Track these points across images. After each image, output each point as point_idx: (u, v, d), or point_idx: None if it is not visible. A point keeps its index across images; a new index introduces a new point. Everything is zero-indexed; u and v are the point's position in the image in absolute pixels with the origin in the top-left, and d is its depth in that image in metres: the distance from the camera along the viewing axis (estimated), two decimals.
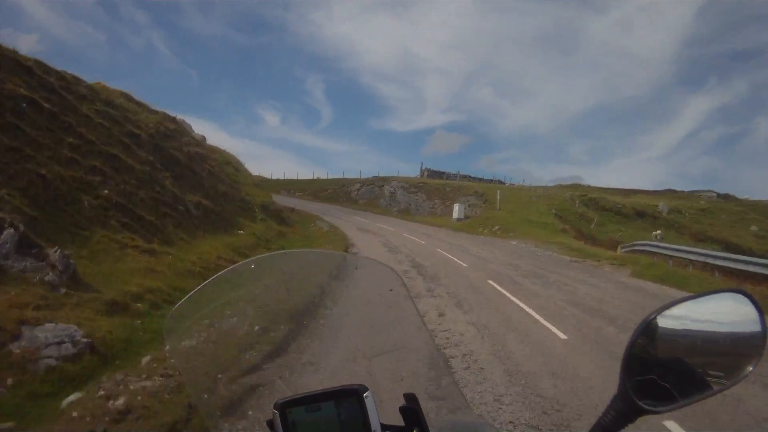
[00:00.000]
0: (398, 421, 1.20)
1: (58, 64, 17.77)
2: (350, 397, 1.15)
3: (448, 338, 7.78)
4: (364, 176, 59.95)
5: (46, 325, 6.30)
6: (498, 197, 39.84)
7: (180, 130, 21.17)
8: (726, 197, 74.33)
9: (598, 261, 20.05)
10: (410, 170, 60.63)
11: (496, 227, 33.47)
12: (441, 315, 9.26)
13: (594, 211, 51.16)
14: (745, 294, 1.06)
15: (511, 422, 4.95)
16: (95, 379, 5.71)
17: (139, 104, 19.78)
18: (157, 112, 20.75)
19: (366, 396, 1.15)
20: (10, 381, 5.28)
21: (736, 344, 1.04)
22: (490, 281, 13.02)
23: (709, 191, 78.84)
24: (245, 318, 1.59)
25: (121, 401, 4.94)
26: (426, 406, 1.23)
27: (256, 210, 21.68)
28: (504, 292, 11.63)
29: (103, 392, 5.19)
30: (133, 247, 12.26)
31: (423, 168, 62.71)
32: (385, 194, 51.99)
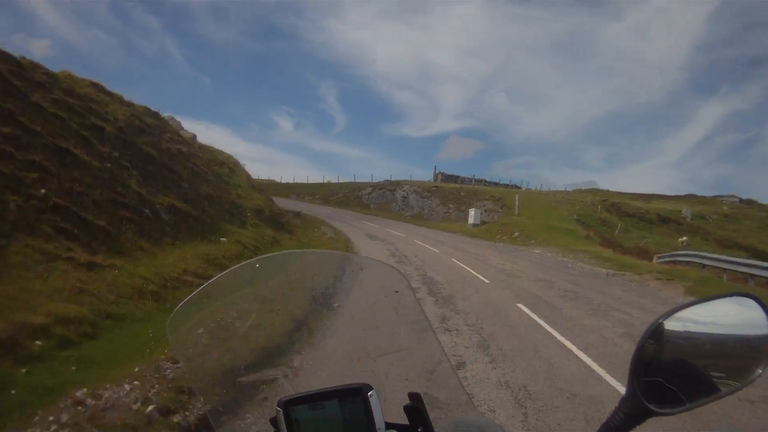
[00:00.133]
0: (403, 420, 1.18)
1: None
2: (354, 396, 1.13)
3: None
4: (375, 180, 57.06)
5: None
6: (517, 202, 36.71)
7: (161, 126, 18.49)
8: (749, 203, 71.15)
9: (639, 274, 16.94)
10: (424, 176, 57.73)
11: (516, 234, 30.39)
12: (459, 366, 6.30)
13: (616, 216, 48.05)
14: (754, 298, 1.03)
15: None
16: None
17: (110, 95, 17.09)
18: (133, 105, 18.07)
19: (370, 395, 1.12)
20: None
21: (744, 348, 1.02)
22: (521, 305, 10.03)
23: (731, 196, 75.66)
24: (249, 317, 1.47)
25: None
26: (430, 405, 1.21)
27: (248, 214, 18.89)
28: (542, 324, 8.61)
29: None
30: (68, 260, 9.48)
31: (437, 172, 59.64)
32: (398, 198, 49.07)
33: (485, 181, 58.75)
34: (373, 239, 23.87)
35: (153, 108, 19.81)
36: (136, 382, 5.55)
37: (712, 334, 1.02)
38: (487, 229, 33.64)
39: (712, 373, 0.99)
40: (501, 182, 61.79)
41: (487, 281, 13.02)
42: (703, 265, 18.68)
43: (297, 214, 34.60)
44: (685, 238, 46.32)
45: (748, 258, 20.16)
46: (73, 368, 6.08)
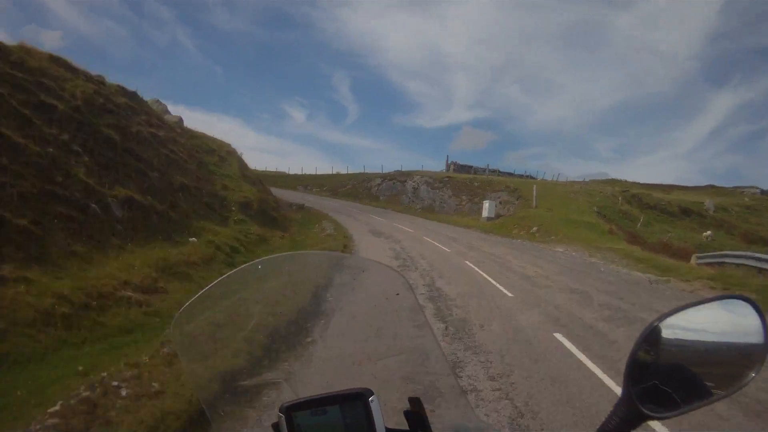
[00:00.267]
0: (403, 425, 1.17)
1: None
2: (355, 401, 1.12)
3: None
4: (386, 171, 54.17)
5: None
6: (534, 193, 33.74)
7: (135, 107, 15.90)
8: None
9: (687, 281, 14.08)
10: (436, 168, 54.58)
11: (535, 228, 27.51)
12: None
13: (637, 208, 44.92)
14: (747, 300, 1.03)
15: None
16: None
17: (74, 71, 14.55)
18: (103, 84, 15.52)
19: (371, 400, 1.12)
20: None
21: (738, 351, 1.02)
22: (560, 336, 7.28)
23: (752, 187, 71.90)
24: (251, 320, 1.48)
25: None
26: (430, 409, 1.20)
27: (233, 208, 16.29)
28: (599, 373, 5.88)
29: None
30: None
31: (449, 162, 56.60)
32: (408, 190, 46.24)
33: (499, 171, 55.49)
34: (377, 236, 21.17)
35: (130, 87, 17.26)
36: None
37: (706, 337, 1.01)
38: (503, 223, 30.79)
39: (706, 377, 0.98)
40: (515, 173, 58.52)
41: (509, 294, 10.27)
42: (760, 269, 15.76)
43: (300, 207, 32.07)
44: (709, 232, 43.33)
45: None
46: None
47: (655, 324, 0.98)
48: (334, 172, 60.96)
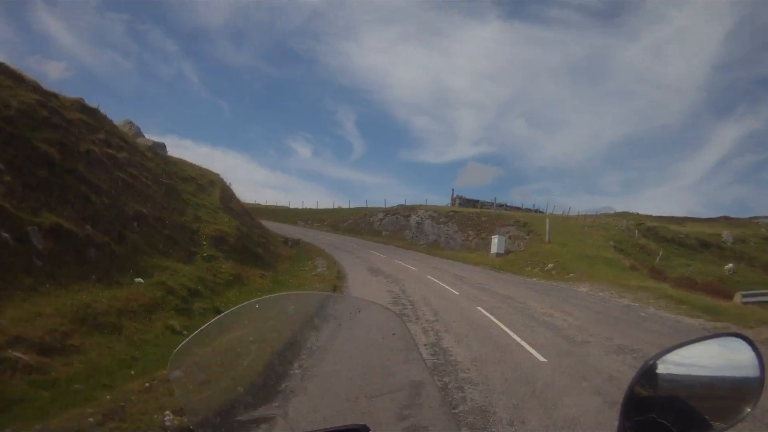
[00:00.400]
0: None
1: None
2: None
3: None
4: (389, 205, 51.59)
5: None
6: (548, 227, 30.98)
7: (93, 125, 13.53)
8: None
9: (750, 327, 11.27)
10: (441, 203, 51.85)
11: (550, 265, 24.70)
12: None
13: (654, 241, 42.13)
14: (744, 338, 1.03)
15: None
16: None
17: (19, 79, 12.27)
18: (56, 96, 13.21)
19: None
20: None
21: (734, 385, 1.02)
22: None
23: (766, 217, 68.96)
24: (247, 357, 1.49)
25: None
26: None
27: (204, 243, 13.70)
28: None
29: None
30: None
31: (454, 196, 54.02)
32: (412, 225, 43.59)
33: (506, 205, 52.79)
34: (375, 275, 18.42)
35: (91, 103, 14.97)
36: None
37: (702, 375, 1.01)
38: (514, 260, 27.98)
39: (703, 411, 0.97)
40: (523, 206, 55.75)
41: (542, 359, 7.46)
42: None
43: (296, 243, 29.48)
44: (731, 265, 40.76)
45: None
46: None
47: (651, 362, 0.98)
48: (336, 207, 58.47)
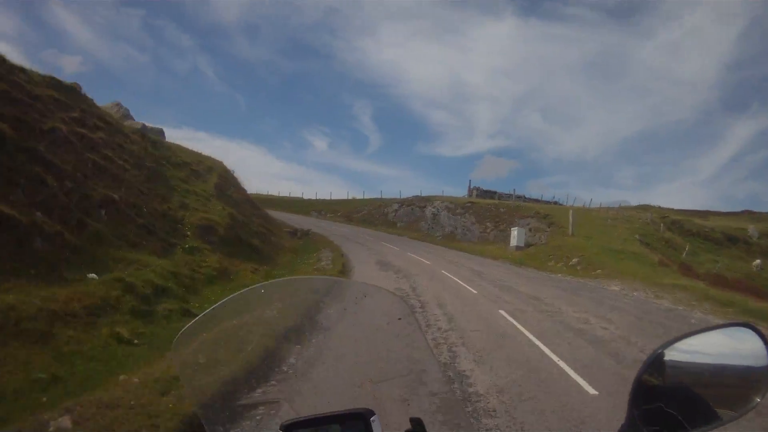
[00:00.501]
0: None
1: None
2: (356, 421, 1.09)
3: None
4: (404, 196, 49.55)
5: None
6: (571, 219, 28.80)
7: (66, 103, 11.89)
8: None
9: None
10: (457, 195, 49.52)
11: (575, 260, 22.60)
12: None
13: (679, 235, 39.69)
14: (753, 328, 1.01)
15: None
16: None
17: None
18: (23, 71, 11.56)
19: (372, 420, 1.09)
20: None
21: (743, 375, 0.99)
22: None
23: None
24: (251, 341, 1.43)
25: None
26: (432, 430, 1.16)
27: (188, 233, 11.97)
28: None
29: None
30: None
31: (471, 187, 51.81)
32: (427, 216, 41.60)
33: (524, 197, 50.35)
34: (384, 269, 16.55)
35: (68, 81, 13.31)
36: None
37: (711, 364, 0.99)
38: (536, 253, 25.89)
39: (711, 400, 0.95)
40: (542, 198, 53.23)
41: (591, 390, 5.53)
42: None
43: (305, 234, 27.80)
44: (758, 261, 38.48)
45: None
46: None
47: (659, 351, 0.96)
48: (350, 197, 56.62)
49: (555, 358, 6.80)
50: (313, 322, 1.57)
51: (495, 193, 49.78)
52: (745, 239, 46.01)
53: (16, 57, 13.43)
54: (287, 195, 58.95)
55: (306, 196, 58.69)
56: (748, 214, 63.46)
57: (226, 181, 18.91)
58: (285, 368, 1.48)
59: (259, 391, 1.38)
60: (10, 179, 8.64)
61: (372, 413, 1.09)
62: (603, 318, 10.10)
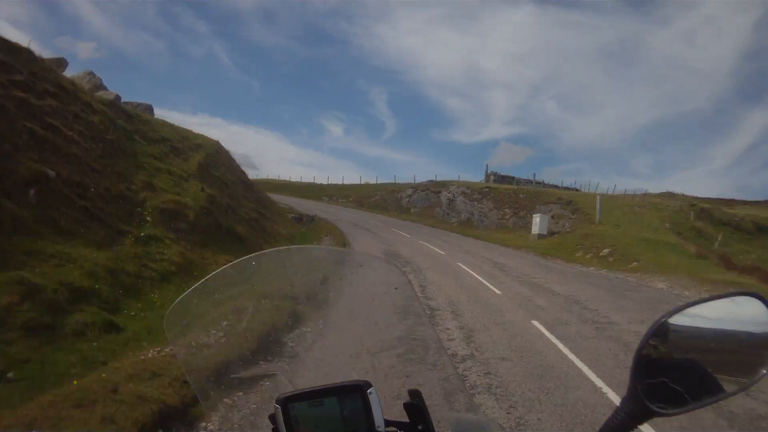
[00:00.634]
0: (403, 417, 1.06)
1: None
2: (354, 393, 1.02)
3: None
4: (418, 181, 46.92)
5: None
6: (598, 206, 26.08)
7: (11, 65, 9.71)
8: None
9: None
10: (473, 180, 46.61)
11: (606, 251, 19.97)
12: None
13: (710, 225, 36.73)
14: (760, 297, 0.94)
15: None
16: None
17: None
18: None
19: (370, 392, 1.02)
20: None
21: (749, 347, 0.93)
22: None
23: None
24: (247, 312, 1.38)
25: None
26: (430, 402, 1.08)
27: (148, 218, 9.71)
28: None
29: None
30: None
31: (488, 172, 49.01)
32: (443, 201, 39.03)
33: (544, 182, 47.32)
34: (393, 260, 14.23)
35: (23, 43, 11.09)
36: None
37: (716, 333, 0.93)
38: (561, 243, 23.27)
39: (717, 373, 0.90)
40: (562, 185, 50.15)
41: None
42: None
43: (310, 220, 25.55)
44: None
45: None
46: None
47: (664, 319, 0.90)
48: (363, 182, 54.17)
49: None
50: (308, 293, 1.44)
51: (513, 178, 46.89)
52: None
53: (29, 44, 11.23)
54: (299, 180, 56.83)
55: (318, 181, 56.38)
56: None
57: (215, 161, 16.62)
58: (281, 341, 1.31)
59: (255, 364, 1.27)
60: None
61: (369, 385, 1.02)
62: None
